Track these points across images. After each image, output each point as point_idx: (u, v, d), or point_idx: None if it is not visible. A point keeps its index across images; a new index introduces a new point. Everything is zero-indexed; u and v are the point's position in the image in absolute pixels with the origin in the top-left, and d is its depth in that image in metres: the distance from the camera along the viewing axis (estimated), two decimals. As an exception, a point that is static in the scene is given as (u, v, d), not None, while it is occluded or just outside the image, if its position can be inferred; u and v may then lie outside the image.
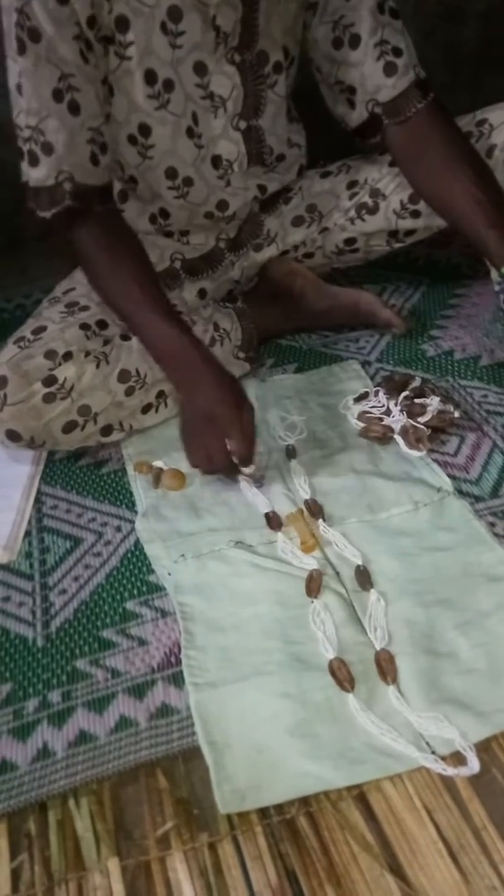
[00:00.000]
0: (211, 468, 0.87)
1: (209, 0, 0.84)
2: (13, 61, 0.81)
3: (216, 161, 0.96)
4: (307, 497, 0.86)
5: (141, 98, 0.88)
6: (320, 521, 0.82)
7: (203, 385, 0.84)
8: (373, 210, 1.07)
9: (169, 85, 0.88)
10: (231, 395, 0.84)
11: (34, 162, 0.83)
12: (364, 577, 0.75)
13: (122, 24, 0.83)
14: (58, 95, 0.81)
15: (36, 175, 0.84)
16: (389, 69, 0.93)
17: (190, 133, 0.92)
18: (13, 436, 0.87)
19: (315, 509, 0.84)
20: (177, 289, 1.04)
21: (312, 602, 0.73)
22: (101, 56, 0.84)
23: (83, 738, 0.65)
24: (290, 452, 0.93)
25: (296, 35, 0.94)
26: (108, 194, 0.90)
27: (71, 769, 0.63)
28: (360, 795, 0.60)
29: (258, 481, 0.88)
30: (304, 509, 0.84)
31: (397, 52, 0.93)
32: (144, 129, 0.91)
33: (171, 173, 0.94)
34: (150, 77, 0.87)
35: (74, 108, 0.82)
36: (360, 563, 0.77)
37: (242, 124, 0.95)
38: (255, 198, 1.04)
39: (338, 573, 0.77)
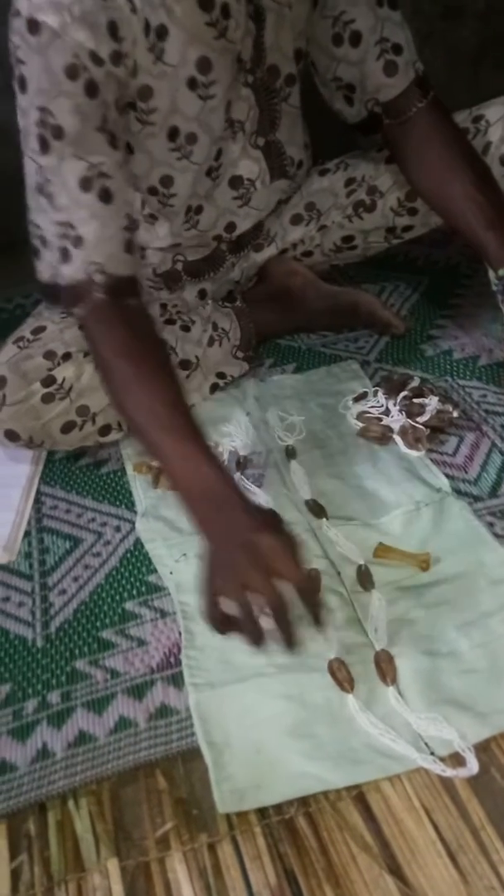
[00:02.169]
0: (249, 612, 0.63)
1: (236, 37, 0.83)
2: (31, 161, 0.77)
3: (235, 182, 0.95)
4: (307, 498, 0.86)
5: (164, 154, 0.87)
6: (323, 520, 0.82)
7: (234, 515, 0.67)
8: (370, 208, 1.07)
9: (192, 137, 0.87)
10: (272, 521, 0.68)
11: (66, 258, 0.78)
12: (365, 577, 0.75)
13: (146, 92, 0.81)
14: (86, 185, 0.76)
15: (67, 272, 0.78)
16: (390, 68, 0.92)
17: (209, 172, 0.92)
18: (12, 436, 0.87)
19: (317, 510, 0.84)
20: (178, 290, 1.04)
21: None
22: (123, 131, 0.81)
23: (82, 738, 0.65)
24: (290, 452, 0.93)
25: (307, 35, 0.93)
26: (137, 285, 0.82)
27: (70, 770, 0.63)
28: (358, 796, 0.60)
29: (257, 480, 0.88)
30: (307, 510, 0.84)
31: (397, 49, 0.92)
32: (166, 181, 0.90)
33: (188, 209, 0.95)
34: (173, 134, 0.86)
35: (106, 196, 0.77)
36: (361, 562, 0.77)
37: (260, 141, 0.95)
38: (277, 205, 1.04)
39: (339, 573, 0.77)
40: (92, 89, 0.74)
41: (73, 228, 0.77)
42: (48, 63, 0.72)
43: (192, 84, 0.83)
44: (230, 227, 1.01)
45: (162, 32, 0.77)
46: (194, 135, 0.87)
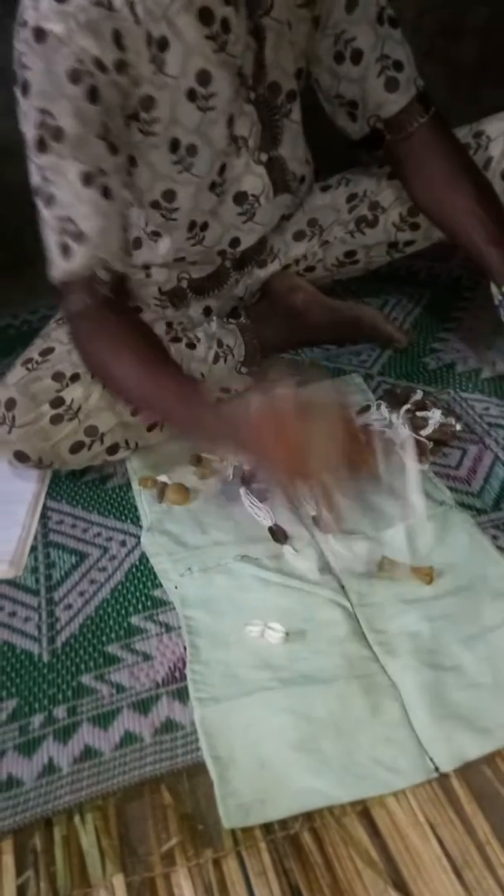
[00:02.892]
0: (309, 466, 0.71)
1: (236, 51, 0.84)
2: (32, 162, 0.78)
3: (240, 198, 0.96)
4: (313, 514, 0.86)
5: (166, 166, 0.88)
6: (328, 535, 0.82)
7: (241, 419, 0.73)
8: (372, 223, 1.08)
9: (192, 149, 0.87)
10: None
11: (67, 254, 0.80)
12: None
13: (148, 103, 0.82)
14: (88, 180, 0.77)
15: (68, 267, 0.80)
16: (391, 85, 0.93)
17: (212, 186, 0.93)
18: (21, 457, 0.88)
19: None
20: (183, 308, 1.05)
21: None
22: (126, 143, 0.82)
23: (88, 753, 0.65)
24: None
25: (307, 56, 0.94)
26: (128, 283, 0.87)
27: (76, 785, 0.63)
28: (363, 811, 0.60)
29: (261, 494, 0.88)
30: (311, 524, 0.85)
31: (398, 66, 0.93)
32: (168, 195, 0.90)
33: (192, 225, 0.95)
34: (174, 145, 0.86)
35: (107, 193, 0.79)
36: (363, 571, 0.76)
37: (263, 157, 0.95)
38: (279, 223, 1.05)
39: (343, 587, 0.77)
40: (94, 95, 0.75)
41: (74, 224, 0.78)
42: (51, 67, 0.74)
43: (191, 95, 0.84)
44: (234, 242, 1.02)
45: (163, 44, 0.79)
46: (195, 146, 0.88)
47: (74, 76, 0.74)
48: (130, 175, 0.86)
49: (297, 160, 1.01)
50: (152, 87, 0.80)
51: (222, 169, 0.92)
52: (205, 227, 0.96)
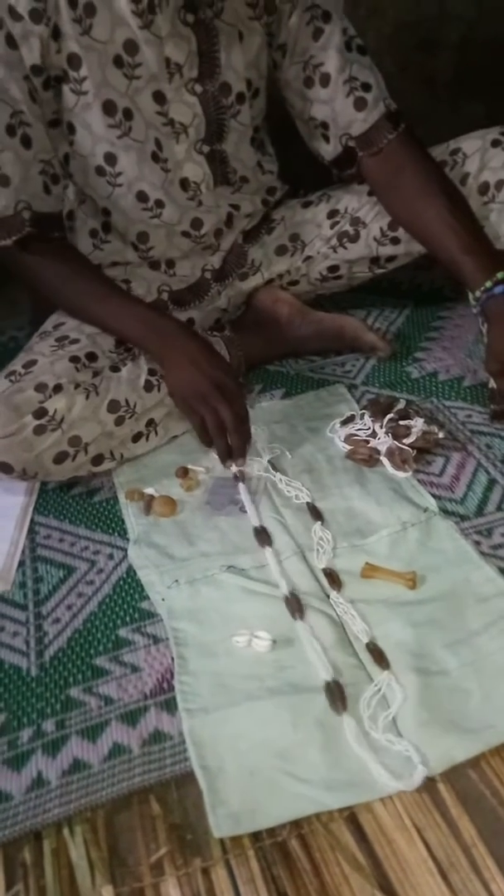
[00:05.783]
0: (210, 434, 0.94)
1: (160, 33, 0.88)
2: None
3: (184, 183, 0.99)
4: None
5: (102, 129, 0.91)
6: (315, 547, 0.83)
7: (181, 353, 0.92)
8: (354, 238, 1.10)
9: (128, 114, 0.91)
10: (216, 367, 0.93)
11: None
12: (378, 656, 0.71)
13: (75, 61, 0.86)
14: (11, 131, 0.86)
15: None
16: (359, 104, 0.97)
17: (155, 158, 0.95)
18: (5, 468, 0.89)
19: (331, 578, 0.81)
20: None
21: (297, 621, 0.74)
22: (49, 100, 0.89)
23: (77, 766, 0.66)
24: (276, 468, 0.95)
25: (260, 69, 0.98)
26: (61, 222, 0.97)
27: (65, 798, 0.63)
28: (350, 816, 0.60)
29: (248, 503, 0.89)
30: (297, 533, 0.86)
31: (366, 87, 0.97)
32: (110, 158, 0.93)
33: (143, 197, 0.97)
34: (109, 108, 0.90)
35: (27, 142, 0.88)
36: (367, 640, 0.73)
37: (206, 148, 0.98)
38: (229, 215, 1.06)
39: (328, 595, 0.78)
40: (11, 41, 0.82)
41: None
42: None
43: (118, 62, 0.88)
44: (196, 223, 1.04)
45: (90, 9, 0.84)
46: (129, 110, 0.91)
47: None
48: (72, 144, 0.93)
49: (240, 160, 1.03)
50: (77, 46, 0.85)
51: (159, 144, 0.94)
52: (160, 204, 0.98)
